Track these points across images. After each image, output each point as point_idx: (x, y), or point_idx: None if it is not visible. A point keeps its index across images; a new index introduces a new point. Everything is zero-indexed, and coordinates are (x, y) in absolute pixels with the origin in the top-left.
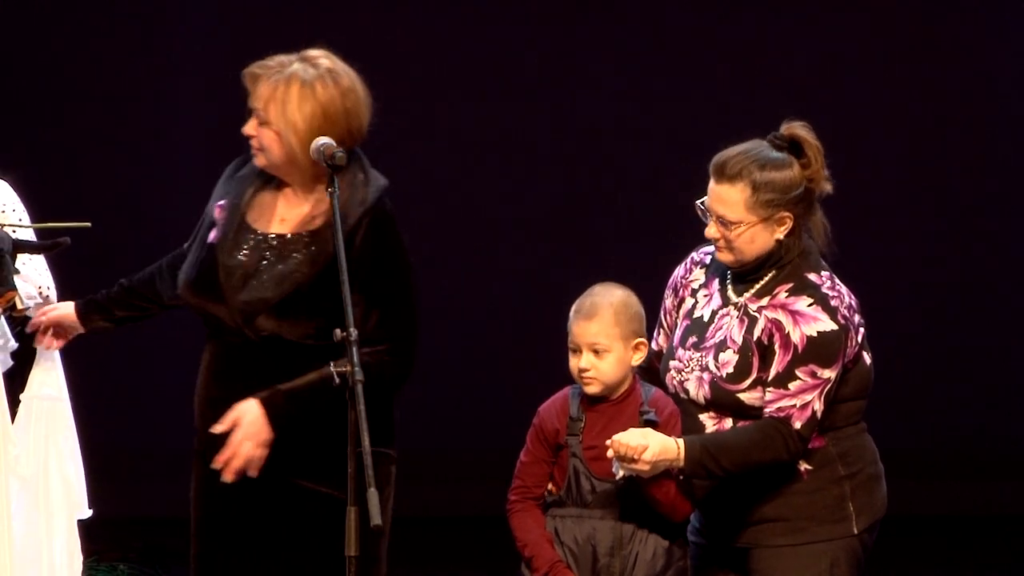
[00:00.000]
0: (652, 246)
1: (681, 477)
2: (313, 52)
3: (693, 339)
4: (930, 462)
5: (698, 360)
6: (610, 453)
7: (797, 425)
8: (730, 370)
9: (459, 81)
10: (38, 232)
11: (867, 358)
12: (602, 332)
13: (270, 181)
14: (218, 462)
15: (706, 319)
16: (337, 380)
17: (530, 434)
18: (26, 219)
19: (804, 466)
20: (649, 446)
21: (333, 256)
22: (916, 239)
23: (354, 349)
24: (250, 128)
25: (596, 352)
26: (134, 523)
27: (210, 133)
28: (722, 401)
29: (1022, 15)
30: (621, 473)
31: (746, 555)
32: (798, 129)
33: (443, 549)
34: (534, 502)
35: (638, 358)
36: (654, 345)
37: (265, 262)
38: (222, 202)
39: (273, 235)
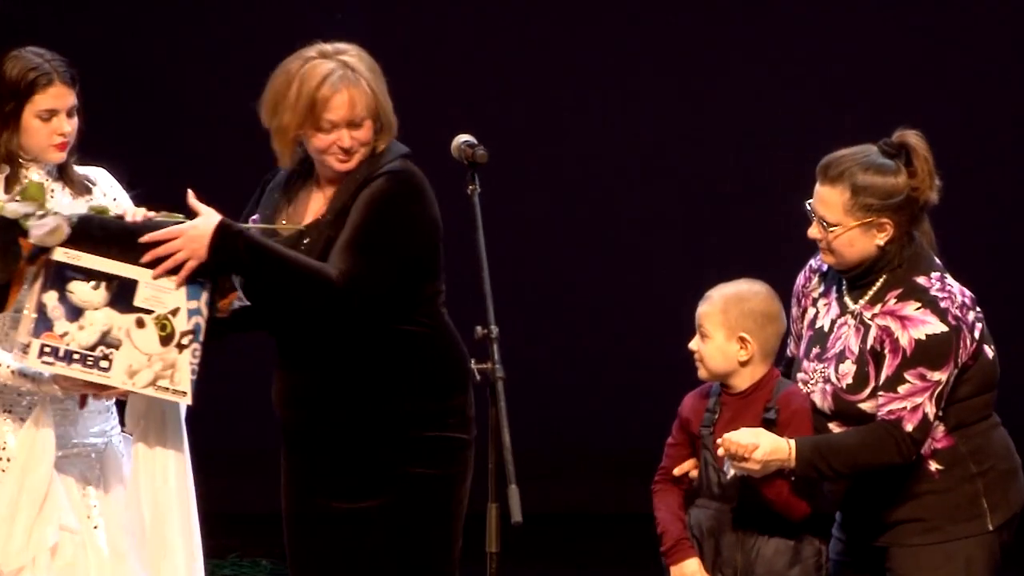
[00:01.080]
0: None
1: (793, 478)
2: (331, 47)
3: (816, 350)
4: None
5: (821, 371)
6: (721, 452)
7: (909, 428)
8: (850, 381)
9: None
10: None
11: (989, 351)
12: (707, 316)
13: (294, 183)
14: (150, 253)
15: (826, 329)
16: (478, 377)
17: (676, 421)
18: (128, 203)
19: (935, 466)
20: (760, 445)
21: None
22: None
23: (495, 347)
24: (347, 140)
25: (703, 336)
26: (279, 518)
27: None
28: (845, 412)
29: None
30: (732, 472)
31: (883, 554)
32: (910, 137)
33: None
34: (673, 483)
35: (743, 354)
36: (788, 352)
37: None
38: (255, 216)
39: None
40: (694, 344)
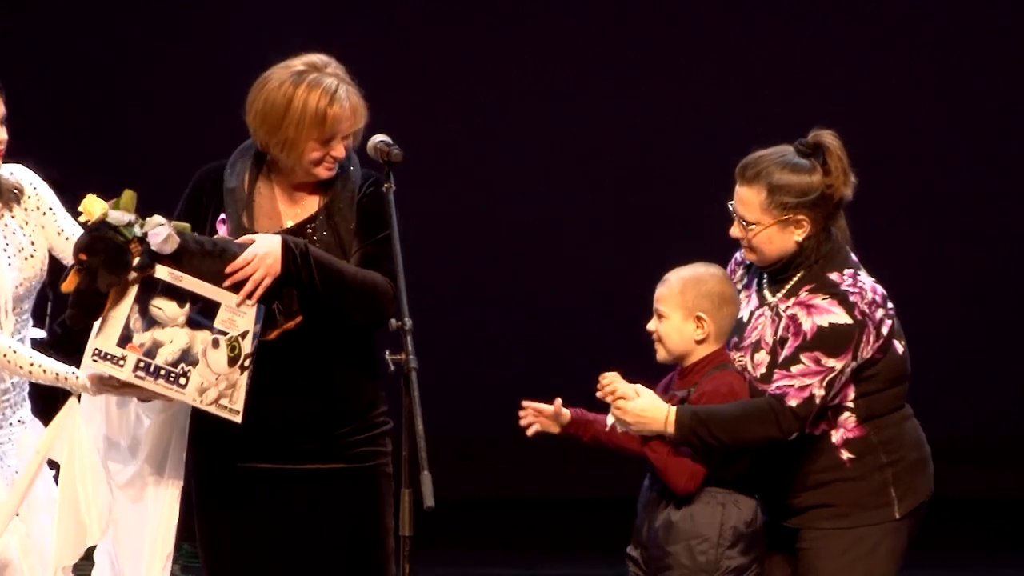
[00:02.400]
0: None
1: (674, 445)
2: (316, 60)
3: (735, 339)
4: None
5: (738, 360)
6: (599, 392)
7: (792, 403)
8: (763, 370)
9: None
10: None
11: (899, 347)
12: (665, 297)
13: (255, 185)
14: (232, 279)
15: (745, 319)
16: (392, 367)
17: None
18: (56, 204)
19: (846, 455)
20: (639, 397)
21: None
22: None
23: (408, 338)
24: (341, 150)
25: (660, 316)
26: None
27: None
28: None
29: None
30: (611, 421)
31: (796, 535)
32: (824, 136)
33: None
34: None
35: (699, 333)
36: None
37: None
38: (223, 216)
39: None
40: (652, 324)
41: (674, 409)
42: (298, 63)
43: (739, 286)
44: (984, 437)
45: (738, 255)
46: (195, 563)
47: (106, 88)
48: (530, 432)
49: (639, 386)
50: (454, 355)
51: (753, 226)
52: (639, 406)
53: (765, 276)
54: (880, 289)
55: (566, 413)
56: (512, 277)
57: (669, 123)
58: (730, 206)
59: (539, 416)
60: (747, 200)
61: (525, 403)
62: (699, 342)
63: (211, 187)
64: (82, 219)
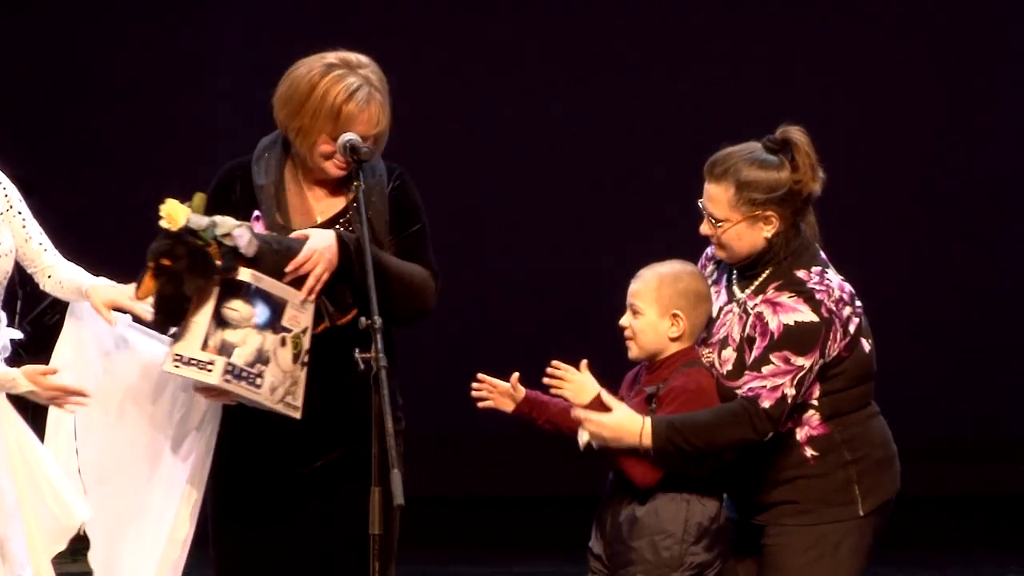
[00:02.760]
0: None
1: (652, 455)
2: (352, 57)
3: (703, 335)
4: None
5: (706, 356)
6: (547, 381)
7: (765, 404)
8: (730, 367)
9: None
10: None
11: (866, 345)
12: (640, 294)
13: (284, 181)
14: (290, 269)
15: (714, 315)
16: (362, 366)
17: None
18: (24, 207)
19: (811, 452)
20: (613, 411)
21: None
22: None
23: (378, 336)
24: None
25: (634, 313)
26: None
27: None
28: (727, 397)
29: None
30: (585, 439)
31: (761, 531)
32: (792, 132)
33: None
34: None
35: (674, 331)
36: None
37: None
38: (257, 214)
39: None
40: (625, 320)
41: (649, 421)
42: (332, 56)
43: (709, 282)
44: (984, 436)
45: (709, 251)
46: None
47: (76, 86)
48: (481, 405)
49: (612, 399)
50: (453, 355)
51: (722, 223)
52: (614, 420)
53: (735, 272)
54: (848, 287)
55: (521, 390)
56: (511, 277)
57: (669, 123)
58: (700, 204)
59: (493, 392)
60: (716, 197)
61: (480, 376)
62: (673, 339)
63: (240, 185)
64: (164, 224)
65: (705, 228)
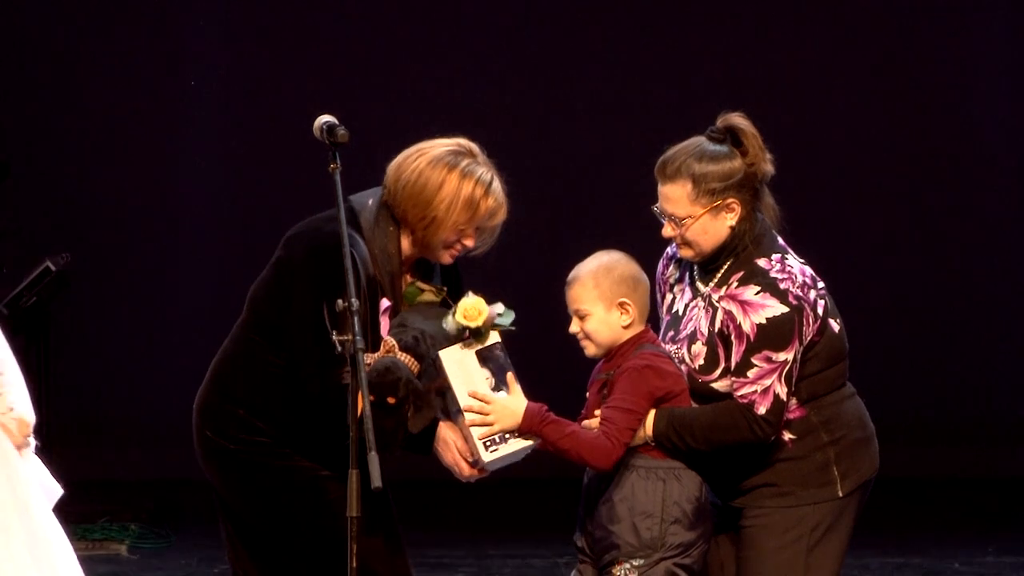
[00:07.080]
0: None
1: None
2: (466, 144)
3: (671, 333)
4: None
5: (675, 353)
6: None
7: (761, 411)
8: (701, 361)
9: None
10: None
11: (835, 325)
12: (580, 296)
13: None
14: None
15: (680, 312)
16: (339, 348)
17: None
18: None
19: (788, 435)
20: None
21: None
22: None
23: (355, 319)
24: (474, 240)
25: (581, 317)
26: (146, 485)
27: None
28: (700, 391)
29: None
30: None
31: (740, 514)
32: (733, 119)
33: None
34: None
35: (625, 319)
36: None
37: None
38: (387, 304)
39: None
40: (574, 327)
41: (651, 412)
42: (449, 143)
43: (672, 280)
44: (962, 417)
45: (669, 250)
46: (143, 544)
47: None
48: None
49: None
50: None
51: (686, 220)
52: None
53: (696, 268)
54: (808, 270)
55: None
56: (511, 277)
57: (670, 123)
58: (655, 209)
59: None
60: (674, 196)
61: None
62: (625, 327)
63: (364, 273)
64: (466, 323)
65: (667, 230)
